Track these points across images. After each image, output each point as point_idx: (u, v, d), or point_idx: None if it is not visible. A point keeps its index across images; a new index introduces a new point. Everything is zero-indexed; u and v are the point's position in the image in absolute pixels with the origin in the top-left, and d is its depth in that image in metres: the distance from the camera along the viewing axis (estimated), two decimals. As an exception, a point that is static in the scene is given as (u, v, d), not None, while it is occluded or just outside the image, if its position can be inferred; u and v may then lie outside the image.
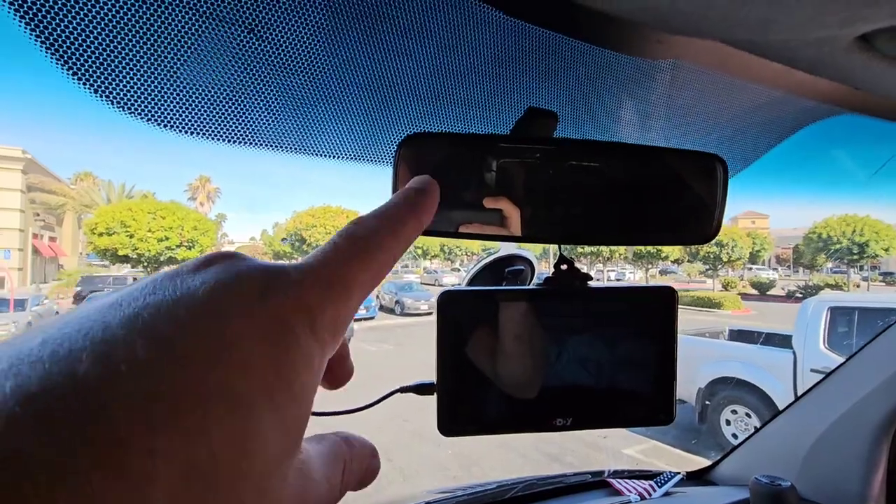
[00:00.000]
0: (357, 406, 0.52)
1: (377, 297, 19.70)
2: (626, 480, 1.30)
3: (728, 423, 5.64)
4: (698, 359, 6.12)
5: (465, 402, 0.49)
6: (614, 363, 0.51)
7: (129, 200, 14.99)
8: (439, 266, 42.77)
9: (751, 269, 36.54)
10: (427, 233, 0.46)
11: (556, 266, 0.51)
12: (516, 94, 0.51)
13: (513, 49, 0.45)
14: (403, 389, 0.52)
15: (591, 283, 0.50)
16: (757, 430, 1.36)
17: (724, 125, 0.59)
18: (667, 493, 1.22)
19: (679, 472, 1.30)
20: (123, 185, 30.94)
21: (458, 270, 39.31)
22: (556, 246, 0.52)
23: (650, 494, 1.22)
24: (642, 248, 24.62)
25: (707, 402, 5.88)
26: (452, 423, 0.49)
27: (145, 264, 13.58)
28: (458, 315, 0.49)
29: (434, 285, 32.40)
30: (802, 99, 0.53)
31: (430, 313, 18.08)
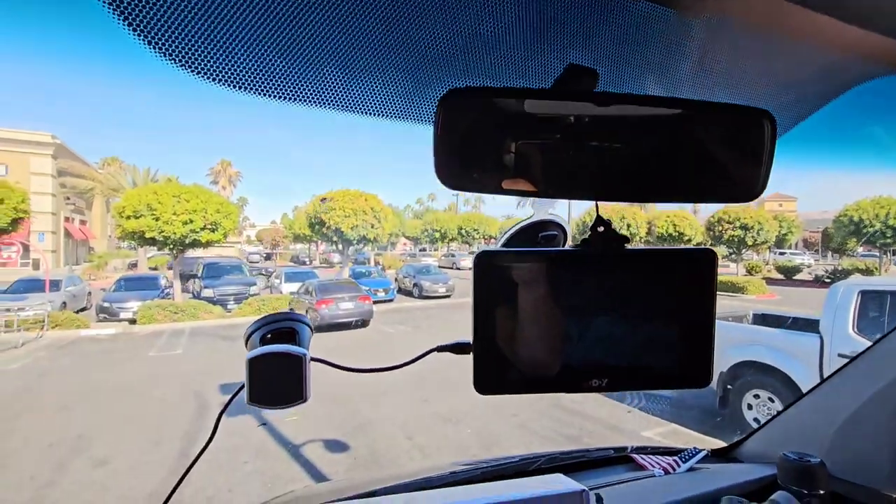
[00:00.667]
0: (393, 364, 0.53)
1: (396, 280, 19.85)
2: (650, 456, 1.31)
3: (750, 407, 5.58)
4: (721, 342, 6.00)
5: (501, 361, 0.49)
6: (652, 325, 0.50)
7: (154, 184, 15.29)
8: (457, 248, 42.79)
9: (783, 253, 35.46)
10: (466, 188, 0.46)
11: (593, 227, 0.50)
12: (557, 52, 0.50)
13: (554, 5, 0.44)
14: (441, 348, 0.53)
15: (629, 246, 0.49)
16: (784, 408, 1.34)
17: (771, 84, 0.56)
18: (691, 469, 1.22)
19: (703, 449, 1.30)
20: (148, 170, 31.62)
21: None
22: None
23: (674, 469, 1.22)
24: (664, 231, 24.14)
25: (729, 387, 5.81)
26: (488, 381, 0.49)
27: (171, 247, 13.90)
28: (494, 275, 0.48)
29: (452, 268, 32.46)
30: (853, 56, 0.51)
31: (447, 296, 18.17)
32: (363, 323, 12.61)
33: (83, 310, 15.27)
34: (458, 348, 0.53)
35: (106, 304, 13.24)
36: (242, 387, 0.51)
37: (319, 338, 11.23)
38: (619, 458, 1.32)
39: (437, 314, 14.75)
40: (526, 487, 0.55)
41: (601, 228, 0.50)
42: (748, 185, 0.48)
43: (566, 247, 0.58)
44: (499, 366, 0.49)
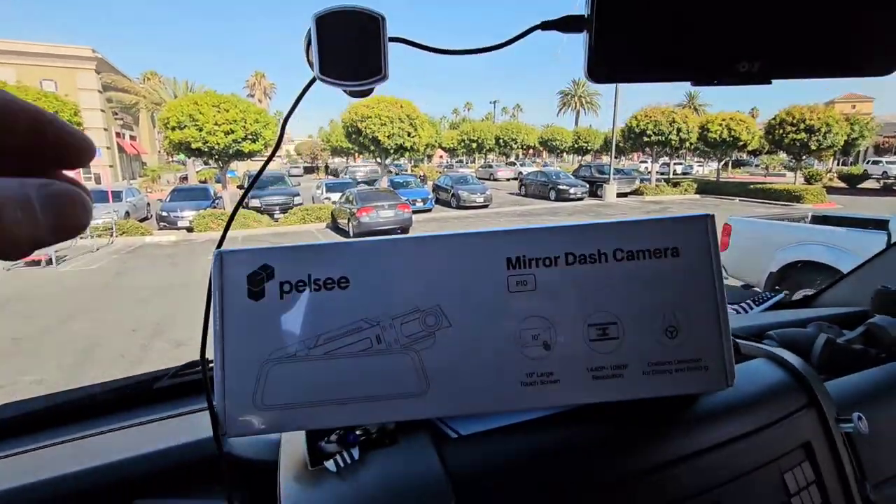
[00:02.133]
0: (488, 45, 0.45)
1: (433, 190, 19.76)
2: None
3: (799, 306, 5.46)
4: (775, 244, 5.78)
5: (620, 34, 0.39)
6: None
7: (194, 94, 15.29)
8: (494, 160, 41.71)
9: (878, 162, 30.08)
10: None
11: None
12: None
13: None
14: (546, 25, 0.43)
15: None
16: (870, 259, 1.28)
17: None
18: (766, 311, 1.21)
19: (781, 292, 1.27)
20: (186, 82, 31.48)
21: (514, 164, 38.24)
22: None
23: (746, 311, 1.22)
24: (717, 136, 22.31)
25: (777, 287, 5.66)
26: (604, 64, 0.39)
27: (216, 157, 14.20)
28: None
29: (489, 179, 31.94)
30: None
31: (485, 206, 18.05)
32: (403, 231, 12.85)
33: (144, 219, 16.24)
34: (566, 23, 0.41)
35: (164, 214, 13.99)
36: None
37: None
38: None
39: (476, 224, 14.81)
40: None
41: None
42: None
43: None
44: (618, 42, 0.39)
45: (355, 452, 0.46)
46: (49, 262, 9.52)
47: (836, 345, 0.91)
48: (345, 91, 0.43)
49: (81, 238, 11.47)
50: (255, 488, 0.57)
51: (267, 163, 0.53)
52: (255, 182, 0.53)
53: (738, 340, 0.70)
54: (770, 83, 0.40)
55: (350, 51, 0.41)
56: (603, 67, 0.40)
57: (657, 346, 0.46)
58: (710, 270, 0.48)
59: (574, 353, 0.46)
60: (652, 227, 0.47)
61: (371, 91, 0.44)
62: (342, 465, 0.45)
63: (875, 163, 30.43)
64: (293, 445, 0.51)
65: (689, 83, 0.41)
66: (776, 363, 0.60)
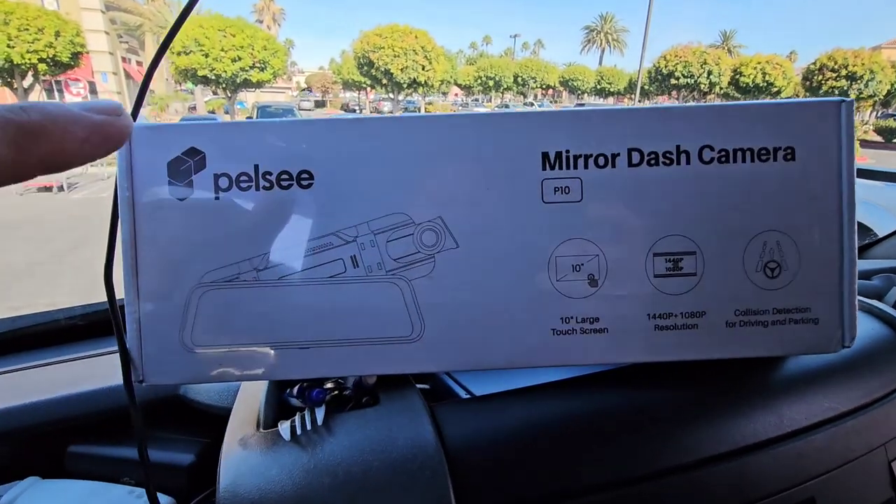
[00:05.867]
0: None
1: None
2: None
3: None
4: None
5: None
6: None
7: (199, 17, 14.57)
8: (511, 99, 40.02)
9: None
10: None
11: None
12: None
13: None
14: None
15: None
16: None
17: None
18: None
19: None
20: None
21: (533, 105, 36.74)
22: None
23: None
24: (750, 80, 20.95)
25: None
26: None
27: (224, 86, 13.75)
28: None
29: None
30: None
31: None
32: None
33: (153, 149, 16.05)
34: None
35: (173, 144, 13.79)
36: None
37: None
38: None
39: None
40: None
41: None
42: None
43: None
44: None
45: (319, 414, 0.35)
46: (60, 188, 9.50)
47: (913, 300, 0.78)
48: None
49: (92, 166, 11.38)
50: (218, 437, 0.47)
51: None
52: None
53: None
54: None
55: None
56: None
57: (751, 287, 0.32)
58: (838, 183, 0.33)
59: (631, 292, 0.32)
60: (758, 115, 0.32)
61: None
62: (299, 430, 0.34)
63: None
64: (251, 394, 0.41)
65: None
66: (879, 319, 0.47)
